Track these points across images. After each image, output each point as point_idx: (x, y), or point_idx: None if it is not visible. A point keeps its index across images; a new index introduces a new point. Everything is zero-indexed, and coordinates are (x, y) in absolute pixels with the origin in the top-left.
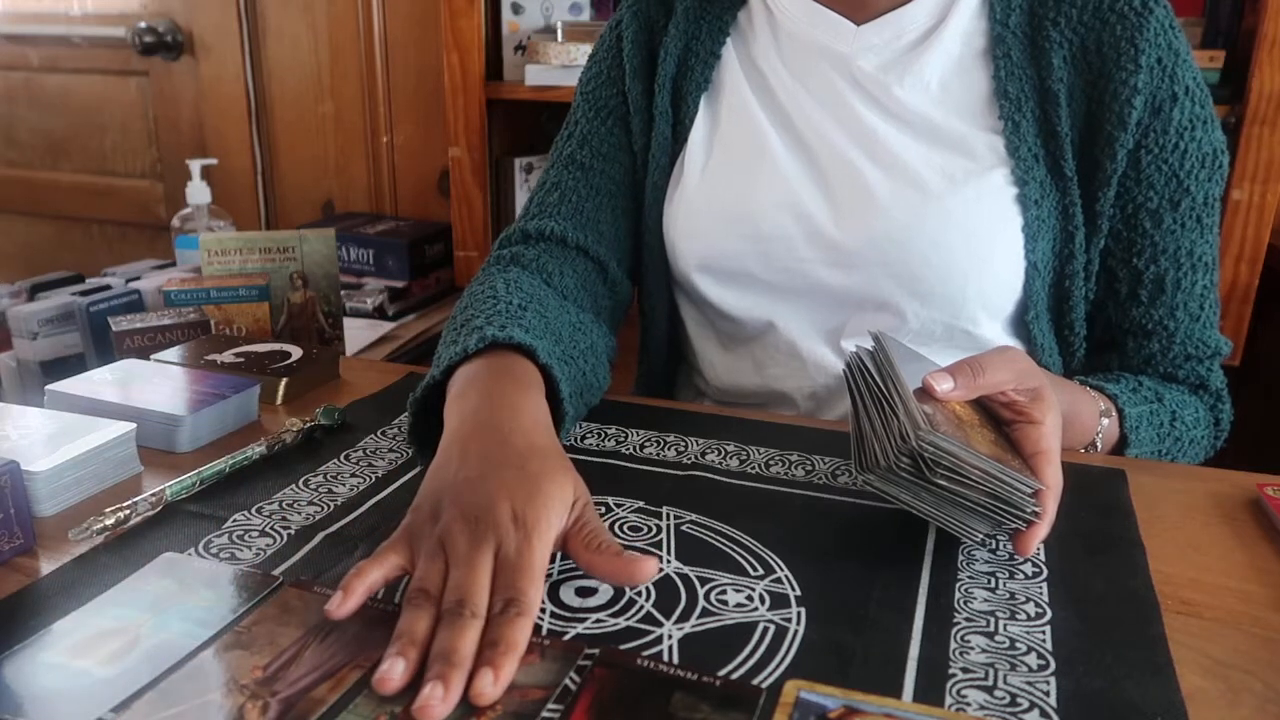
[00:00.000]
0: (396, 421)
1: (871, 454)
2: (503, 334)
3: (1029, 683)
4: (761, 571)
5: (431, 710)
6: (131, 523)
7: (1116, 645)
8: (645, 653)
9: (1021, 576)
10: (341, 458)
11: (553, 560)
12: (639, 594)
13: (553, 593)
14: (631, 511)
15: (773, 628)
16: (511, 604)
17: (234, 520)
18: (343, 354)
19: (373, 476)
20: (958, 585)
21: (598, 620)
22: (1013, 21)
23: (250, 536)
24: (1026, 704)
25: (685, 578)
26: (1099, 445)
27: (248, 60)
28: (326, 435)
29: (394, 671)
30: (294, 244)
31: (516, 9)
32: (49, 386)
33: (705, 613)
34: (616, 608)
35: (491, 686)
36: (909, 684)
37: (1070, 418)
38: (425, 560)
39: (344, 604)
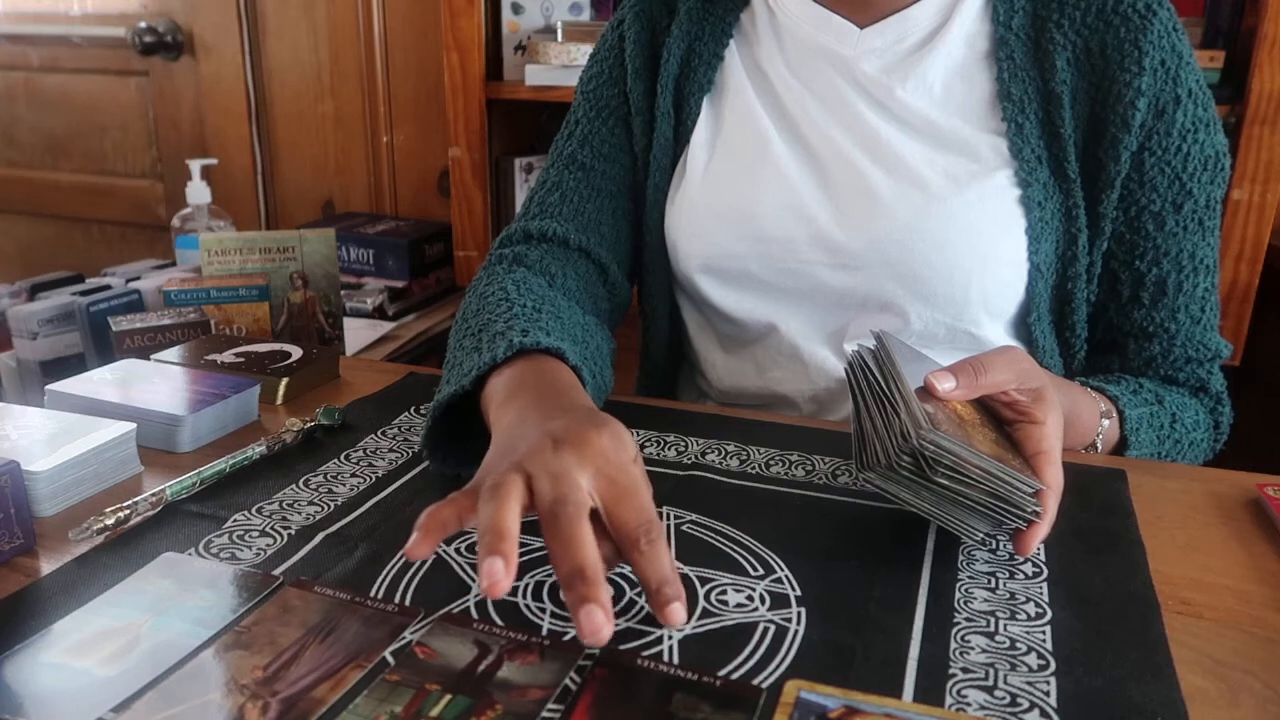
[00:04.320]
0: (397, 421)
1: (873, 452)
2: (529, 340)
3: (1029, 683)
4: (761, 571)
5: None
6: (131, 523)
7: (1116, 645)
8: (645, 653)
9: (1021, 576)
10: (341, 458)
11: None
12: (639, 594)
13: (554, 592)
14: None
15: (773, 628)
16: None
17: (234, 520)
18: (343, 354)
19: (373, 476)
20: (958, 585)
21: None
22: (1015, 24)
23: (250, 536)
24: (1027, 704)
25: (685, 578)
26: (1099, 446)
27: (248, 60)
28: (326, 435)
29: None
30: (294, 244)
31: (516, 9)
32: (49, 386)
33: (706, 613)
34: (617, 608)
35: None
36: (909, 684)
37: (1071, 418)
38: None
39: (418, 545)
